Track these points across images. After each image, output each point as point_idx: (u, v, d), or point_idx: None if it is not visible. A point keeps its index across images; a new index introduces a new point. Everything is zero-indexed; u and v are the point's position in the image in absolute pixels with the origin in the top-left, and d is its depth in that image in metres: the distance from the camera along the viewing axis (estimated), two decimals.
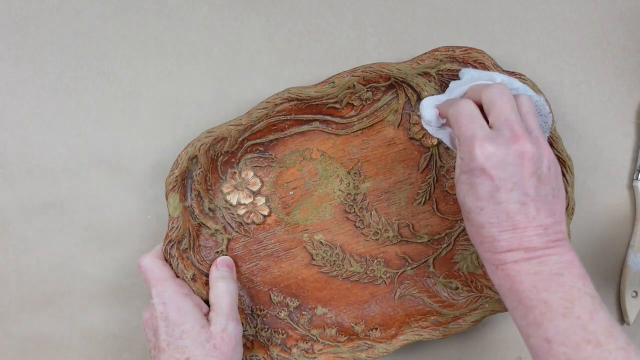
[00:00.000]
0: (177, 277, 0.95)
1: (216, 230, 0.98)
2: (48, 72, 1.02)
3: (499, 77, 0.90)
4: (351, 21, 1.03)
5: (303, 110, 0.98)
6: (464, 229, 1.01)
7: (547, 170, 0.80)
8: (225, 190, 0.99)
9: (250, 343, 0.98)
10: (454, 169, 0.99)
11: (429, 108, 0.90)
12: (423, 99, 0.93)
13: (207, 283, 0.97)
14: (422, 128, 1.00)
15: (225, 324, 0.89)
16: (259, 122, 0.96)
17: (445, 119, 0.90)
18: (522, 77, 0.96)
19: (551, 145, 0.97)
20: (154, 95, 1.03)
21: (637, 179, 1.03)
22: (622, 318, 1.05)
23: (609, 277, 1.05)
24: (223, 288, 0.93)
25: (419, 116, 0.98)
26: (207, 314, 0.92)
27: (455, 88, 0.91)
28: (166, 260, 0.95)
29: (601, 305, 0.76)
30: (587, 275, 0.79)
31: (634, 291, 1.03)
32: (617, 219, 1.04)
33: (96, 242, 1.03)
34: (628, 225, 1.05)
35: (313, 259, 1.01)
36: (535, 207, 0.78)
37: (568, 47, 1.04)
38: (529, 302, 0.77)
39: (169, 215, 0.95)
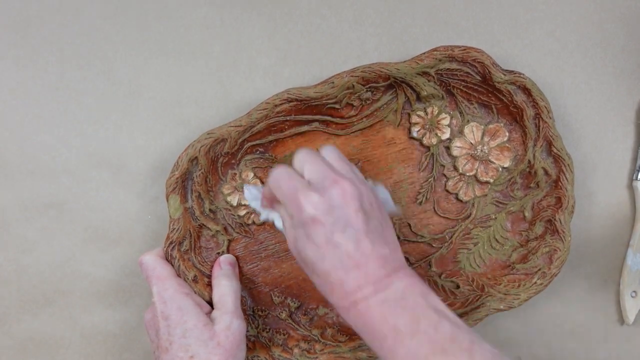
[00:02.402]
0: (179, 276, 0.95)
1: (217, 231, 0.98)
2: (48, 72, 1.02)
3: None
4: (351, 21, 1.03)
5: (303, 111, 0.98)
6: (464, 228, 1.01)
7: (370, 206, 0.83)
8: (225, 192, 0.99)
9: (252, 344, 0.98)
10: (454, 169, 1.00)
11: (251, 197, 0.98)
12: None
13: (208, 284, 0.97)
14: (423, 128, 1.00)
15: (230, 321, 0.90)
16: (258, 123, 0.96)
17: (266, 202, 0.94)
18: (522, 76, 0.96)
19: (550, 144, 0.97)
20: (154, 95, 1.03)
21: (637, 179, 1.03)
22: (622, 318, 1.05)
23: (609, 277, 1.05)
24: (227, 286, 0.94)
25: (419, 115, 0.99)
26: (208, 314, 0.92)
27: None
28: (167, 261, 0.96)
29: (446, 315, 0.79)
30: (431, 291, 0.82)
31: (634, 291, 1.03)
32: (617, 219, 1.05)
33: (96, 242, 1.03)
34: (628, 225, 1.05)
35: None
36: (370, 241, 0.80)
37: (568, 47, 1.04)
38: (381, 332, 0.78)
39: (170, 216, 0.95)
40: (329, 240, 0.80)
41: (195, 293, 0.95)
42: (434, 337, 0.76)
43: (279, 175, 0.85)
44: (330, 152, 0.88)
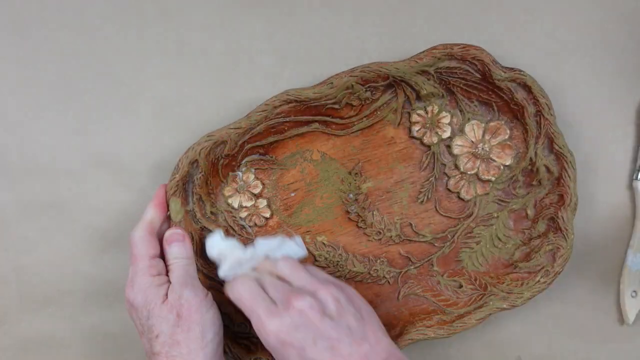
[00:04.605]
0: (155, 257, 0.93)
1: None
2: (48, 72, 1.02)
3: (260, 247, 0.94)
4: (351, 21, 1.03)
5: (302, 112, 0.98)
6: (466, 227, 1.01)
7: (335, 304, 0.85)
8: (226, 194, 0.99)
9: (254, 345, 0.98)
10: (455, 167, 1.00)
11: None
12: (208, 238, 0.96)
13: (211, 287, 0.95)
14: (423, 127, 1.00)
15: (179, 291, 0.88)
16: (258, 125, 0.96)
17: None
18: (522, 73, 0.96)
19: (551, 141, 0.98)
20: (154, 95, 1.03)
21: (637, 179, 1.03)
22: (622, 318, 1.05)
23: (609, 277, 1.05)
24: (176, 264, 0.93)
25: (419, 114, 0.99)
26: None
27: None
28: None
29: None
30: None
31: (634, 291, 1.03)
32: (617, 219, 1.05)
33: (96, 242, 1.03)
34: (628, 225, 1.05)
35: (316, 260, 1.01)
36: (345, 344, 0.82)
37: (568, 47, 1.04)
38: None
39: (171, 219, 0.95)
40: (304, 357, 0.81)
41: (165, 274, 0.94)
42: None
43: (242, 291, 0.87)
44: (283, 266, 0.90)
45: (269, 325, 0.82)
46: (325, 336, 0.81)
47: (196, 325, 0.87)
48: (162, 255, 0.94)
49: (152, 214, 0.94)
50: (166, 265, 0.93)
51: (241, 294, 0.87)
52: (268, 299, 0.85)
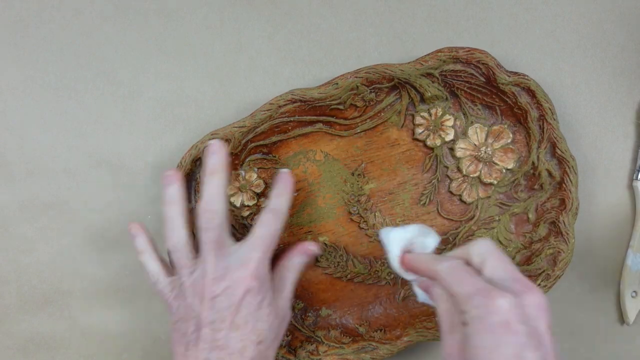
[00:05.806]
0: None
1: None
2: (48, 72, 1.02)
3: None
4: (351, 21, 1.03)
5: (306, 112, 0.98)
6: (468, 230, 1.01)
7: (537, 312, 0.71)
8: (229, 192, 0.99)
9: None
10: (457, 170, 1.00)
11: (394, 254, 0.88)
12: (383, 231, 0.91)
13: None
14: (426, 129, 1.00)
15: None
16: (262, 124, 0.96)
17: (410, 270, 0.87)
18: (526, 77, 0.96)
19: (554, 145, 0.98)
20: (154, 95, 1.03)
21: (637, 179, 1.03)
22: (621, 318, 1.05)
23: (609, 277, 1.05)
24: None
25: (423, 117, 0.99)
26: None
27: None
28: (170, 263, 0.95)
29: None
30: None
31: (634, 291, 1.03)
32: (617, 219, 1.05)
33: (96, 242, 1.03)
34: (628, 225, 1.05)
35: (317, 261, 1.01)
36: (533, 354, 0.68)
37: (568, 47, 1.04)
38: None
39: None
40: (519, 356, 0.67)
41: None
42: None
43: (455, 269, 0.75)
44: (492, 258, 0.76)
45: (503, 299, 0.69)
46: (548, 347, 0.69)
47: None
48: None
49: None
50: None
51: (458, 271, 0.75)
52: (488, 280, 0.73)
